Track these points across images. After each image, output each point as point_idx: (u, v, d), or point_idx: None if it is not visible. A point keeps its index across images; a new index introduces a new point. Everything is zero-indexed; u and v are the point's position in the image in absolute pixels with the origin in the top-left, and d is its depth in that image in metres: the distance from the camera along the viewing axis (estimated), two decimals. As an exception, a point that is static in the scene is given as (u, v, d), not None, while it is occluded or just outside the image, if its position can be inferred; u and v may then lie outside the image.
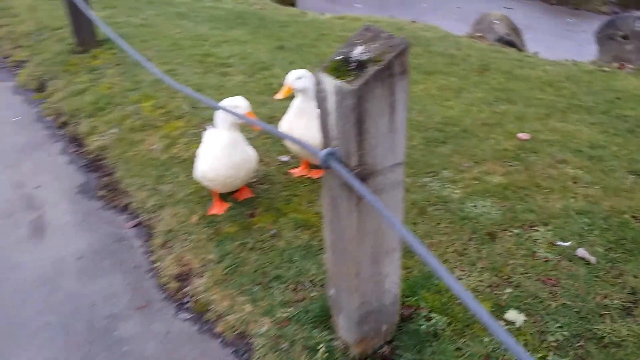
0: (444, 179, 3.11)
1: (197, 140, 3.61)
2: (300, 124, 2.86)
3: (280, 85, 4.24)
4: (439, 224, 2.76)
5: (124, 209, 3.24)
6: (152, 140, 3.70)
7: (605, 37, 6.28)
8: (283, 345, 2.20)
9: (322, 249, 2.65)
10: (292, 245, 2.69)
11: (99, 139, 3.86)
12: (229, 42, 5.50)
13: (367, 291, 1.97)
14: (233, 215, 2.93)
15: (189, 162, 3.41)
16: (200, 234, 2.84)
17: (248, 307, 2.41)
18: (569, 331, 2.13)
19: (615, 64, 5.62)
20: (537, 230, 2.67)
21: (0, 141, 4.07)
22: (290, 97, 2.93)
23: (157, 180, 3.31)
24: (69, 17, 4.99)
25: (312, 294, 2.41)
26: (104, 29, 3.58)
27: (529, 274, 2.41)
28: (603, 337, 2.10)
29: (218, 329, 2.40)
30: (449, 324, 2.20)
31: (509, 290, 2.33)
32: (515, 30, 7.45)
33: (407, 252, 2.54)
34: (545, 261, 2.48)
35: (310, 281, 2.48)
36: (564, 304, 2.25)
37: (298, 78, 2.78)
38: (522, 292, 2.33)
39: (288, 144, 3.06)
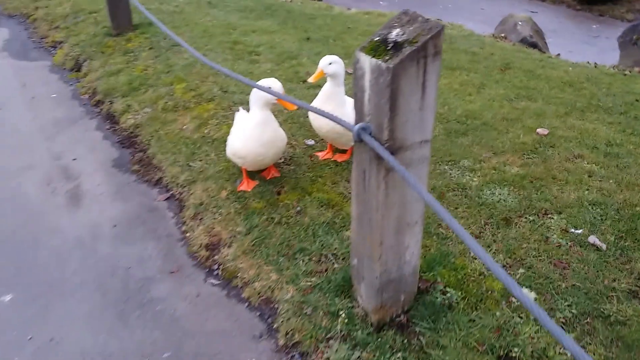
0: (463, 167, 3.24)
1: (226, 122, 3.78)
2: (329, 107, 3.00)
3: (308, 73, 4.41)
4: (457, 208, 2.89)
5: (157, 182, 3.41)
6: (184, 121, 3.87)
7: (627, 42, 6.33)
8: (306, 310, 2.35)
9: (344, 226, 2.79)
10: (316, 221, 2.83)
11: (133, 117, 4.04)
12: (258, 32, 5.66)
13: (388, 260, 2.11)
14: (261, 192, 3.08)
15: (219, 141, 3.58)
16: (229, 207, 3.00)
17: (273, 276, 2.57)
18: (577, 309, 2.25)
19: (637, 69, 5.68)
20: (551, 218, 2.79)
21: (39, 116, 4.28)
22: (317, 85, 3.07)
23: (188, 157, 3.48)
24: (107, 1, 5.18)
25: (335, 266, 2.55)
26: (145, 13, 3.76)
27: (541, 257, 2.54)
28: (609, 316, 2.22)
29: (245, 295, 2.56)
30: (463, 298, 2.33)
31: (521, 270, 2.46)
32: (538, 32, 7.52)
33: (426, 232, 2.68)
34: (558, 246, 2.60)
35: (333, 254, 2.62)
36: (574, 285, 2.37)
37: (330, 63, 2.92)
38: (534, 273, 2.45)
39: (315, 127, 3.20)
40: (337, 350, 2.17)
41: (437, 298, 2.33)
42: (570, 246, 2.60)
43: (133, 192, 3.35)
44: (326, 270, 2.54)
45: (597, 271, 2.45)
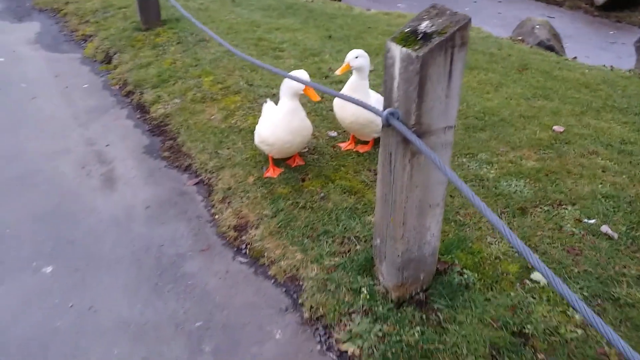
0: (481, 160, 3.37)
1: (252, 113, 3.94)
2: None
3: (330, 69, 4.57)
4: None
5: (186, 168, 3.58)
6: (212, 111, 4.04)
7: (644, 47, 6.40)
8: (330, 287, 2.50)
9: (366, 211, 2.93)
10: (339, 206, 2.98)
11: (162, 107, 4.22)
12: (281, 30, 5.83)
13: (410, 240, 2.25)
14: (286, 178, 3.23)
15: (246, 131, 3.74)
16: (256, 192, 3.16)
17: (299, 255, 2.71)
18: (589, 292, 2.37)
19: (653, 73, 5.75)
20: (566, 209, 2.91)
21: (72, 104, 4.47)
22: (339, 81, 3.21)
23: (216, 145, 3.64)
24: (137, -3, 5.38)
25: (357, 247, 2.70)
26: (178, 9, 3.93)
27: (555, 245, 2.66)
28: (619, 299, 2.33)
29: (271, 272, 2.71)
30: (480, 279, 2.46)
31: (536, 256, 2.58)
32: (555, 36, 7.60)
33: (445, 219, 2.81)
34: (571, 235, 2.72)
35: (355, 237, 2.77)
36: (586, 270, 2.49)
37: (356, 57, 3.07)
38: (548, 258, 2.57)
39: (339, 118, 3.34)
40: (359, 323, 2.31)
41: (454, 278, 2.46)
42: (583, 235, 2.72)
43: (164, 177, 3.51)
44: (349, 251, 2.68)
45: (609, 258, 2.56)
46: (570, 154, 3.47)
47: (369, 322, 2.31)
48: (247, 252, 2.86)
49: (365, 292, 2.43)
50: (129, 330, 2.41)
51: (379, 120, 3.16)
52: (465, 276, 2.48)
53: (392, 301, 2.38)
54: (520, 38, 7.18)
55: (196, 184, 3.43)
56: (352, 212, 2.94)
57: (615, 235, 2.70)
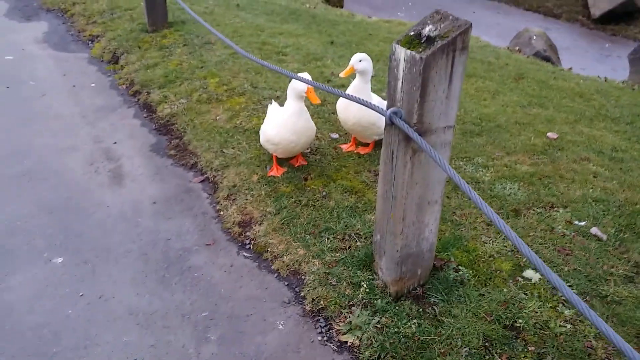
0: (477, 163, 3.49)
1: (257, 114, 4.05)
2: (356, 102, 3.26)
3: (332, 74, 4.69)
4: (470, 199, 3.13)
5: (192, 166, 3.69)
6: (217, 112, 4.15)
7: (637, 59, 6.57)
8: (331, 281, 2.61)
9: (366, 210, 3.05)
10: (341, 205, 3.09)
11: (169, 107, 4.33)
12: (284, 34, 5.96)
13: (409, 235, 2.37)
14: (289, 177, 3.34)
15: (250, 131, 3.85)
16: (260, 190, 3.27)
17: (301, 251, 2.82)
18: (578, 289, 2.49)
19: (646, 85, 5.91)
20: (557, 211, 3.03)
21: (80, 102, 4.58)
22: (341, 85, 3.33)
23: (221, 144, 3.75)
24: (146, 0, 5.49)
25: (357, 244, 2.81)
26: (188, 12, 4.05)
27: (546, 245, 2.78)
28: (607, 296, 2.45)
29: (274, 266, 2.82)
30: (474, 276, 2.57)
31: (526, 246, 2.69)
32: (552, 47, 7.77)
33: (442, 219, 2.92)
34: (562, 236, 2.84)
35: (356, 234, 2.88)
36: (575, 269, 2.61)
37: (360, 60, 3.19)
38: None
39: (342, 120, 3.46)
40: (358, 315, 2.42)
41: (450, 275, 2.58)
42: (574, 236, 2.84)
43: (170, 174, 3.62)
44: (349, 247, 2.79)
45: (597, 258, 2.68)
46: (563, 160, 3.59)
47: (368, 314, 2.42)
48: (251, 247, 2.96)
49: (364, 286, 2.54)
50: (137, 319, 2.51)
51: (380, 123, 3.31)
52: (461, 273, 2.59)
53: (390, 295, 2.49)
54: (517, 48, 7.33)
55: (202, 181, 3.54)
56: (352, 211, 3.05)
57: (605, 237, 2.82)
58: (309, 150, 3.62)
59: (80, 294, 2.65)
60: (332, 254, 2.76)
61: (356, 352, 2.30)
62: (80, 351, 2.34)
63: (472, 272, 2.60)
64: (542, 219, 2.97)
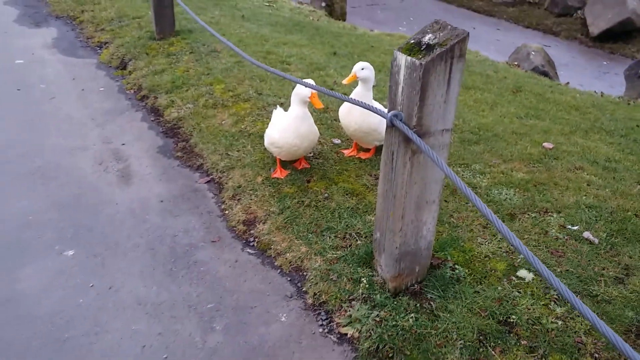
0: (474, 170, 3.61)
1: (261, 119, 4.18)
2: (358, 107, 3.38)
3: (335, 82, 4.82)
4: (467, 203, 3.25)
5: (198, 168, 3.80)
6: (223, 116, 4.28)
7: (632, 75, 6.73)
8: (332, 277, 2.71)
9: (367, 211, 3.16)
10: (342, 206, 3.20)
11: (176, 111, 4.46)
12: (288, 44, 6.11)
13: (407, 233, 2.48)
14: (292, 179, 3.46)
15: (255, 136, 3.97)
16: (264, 191, 3.38)
17: (303, 248, 2.93)
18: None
19: (641, 100, 6.06)
20: (551, 216, 3.14)
21: (90, 105, 4.71)
22: (343, 93, 3.44)
23: (227, 147, 3.87)
24: (153, 8, 5.65)
25: (358, 242, 2.91)
26: (197, 20, 4.19)
27: (540, 247, 2.88)
28: (597, 296, 2.56)
29: (277, 263, 2.92)
30: (470, 274, 2.68)
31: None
32: (550, 62, 7.93)
33: (439, 221, 3.03)
34: (555, 239, 2.95)
35: (357, 233, 2.99)
36: (567, 270, 2.71)
37: (362, 68, 3.32)
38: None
39: (344, 125, 3.59)
40: (358, 309, 2.52)
41: (447, 273, 2.68)
42: (567, 239, 2.95)
43: (177, 175, 3.73)
44: (350, 246, 2.90)
45: (589, 260, 2.79)
46: (558, 168, 3.71)
47: (368, 308, 2.52)
48: (255, 244, 3.07)
49: (364, 282, 2.65)
50: (145, 309, 2.61)
51: (380, 129, 3.43)
52: (457, 271, 2.70)
53: (389, 291, 2.60)
54: (516, 63, 7.49)
55: (207, 182, 3.65)
56: (353, 212, 3.16)
57: (596, 241, 2.93)
58: (311, 154, 3.74)
59: (91, 285, 2.75)
60: (334, 252, 2.87)
61: (355, 344, 2.40)
62: (91, 337, 2.44)
63: (468, 270, 2.70)
64: (536, 223, 3.08)
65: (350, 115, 3.48)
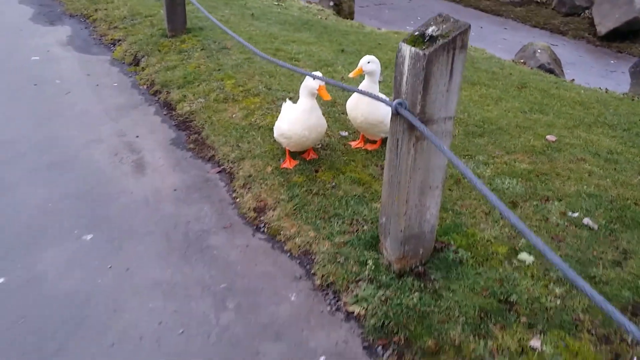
0: (478, 161, 3.71)
1: (271, 113, 4.30)
2: (365, 100, 3.50)
3: (342, 78, 4.94)
4: (470, 191, 3.35)
5: (210, 159, 3.93)
6: (233, 110, 4.41)
7: (637, 72, 6.79)
8: (339, 260, 2.82)
9: (373, 199, 3.27)
10: (349, 194, 3.31)
11: (188, 105, 4.59)
12: (297, 42, 6.23)
13: (412, 217, 2.58)
14: (301, 169, 3.58)
15: (264, 128, 4.10)
16: (273, 180, 3.50)
17: (311, 233, 3.04)
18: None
19: (645, 97, 6.12)
20: (552, 204, 3.24)
21: (104, 100, 4.85)
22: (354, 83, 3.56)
23: (237, 139, 3.99)
24: (166, 7, 5.79)
25: (364, 228, 3.02)
26: (210, 18, 4.33)
27: (541, 233, 2.98)
28: (595, 277, 2.65)
29: (287, 247, 3.04)
30: (472, 257, 2.79)
31: (523, 240, 2.90)
32: (556, 60, 8.00)
33: (443, 208, 3.13)
34: (556, 225, 3.05)
35: (363, 219, 3.10)
36: (567, 253, 2.81)
37: (368, 62, 3.43)
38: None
39: (351, 117, 3.70)
40: (364, 289, 2.63)
41: (449, 255, 2.79)
42: (567, 225, 3.04)
43: (189, 166, 3.86)
44: (357, 231, 3.01)
45: (588, 245, 2.89)
46: (560, 160, 3.81)
47: (374, 288, 2.63)
48: (266, 230, 3.19)
49: (370, 264, 2.76)
50: (161, 288, 2.74)
51: (387, 121, 3.54)
52: (460, 254, 2.80)
53: (394, 272, 2.71)
54: (522, 60, 7.57)
55: (219, 172, 3.77)
56: (360, 199, 3.27)
57: (596, 227, 3.02)
58: (319, 145, 3.85)
59: (109, 266, 2.88)
60: (341, 236, 2.98)
61: (362, 321, 2.51)
62: (110, 314, 2.57)
63: (470, 253, 2.81)
64: (537, 210, 3.18)
65: (357, 108, 3.59)
